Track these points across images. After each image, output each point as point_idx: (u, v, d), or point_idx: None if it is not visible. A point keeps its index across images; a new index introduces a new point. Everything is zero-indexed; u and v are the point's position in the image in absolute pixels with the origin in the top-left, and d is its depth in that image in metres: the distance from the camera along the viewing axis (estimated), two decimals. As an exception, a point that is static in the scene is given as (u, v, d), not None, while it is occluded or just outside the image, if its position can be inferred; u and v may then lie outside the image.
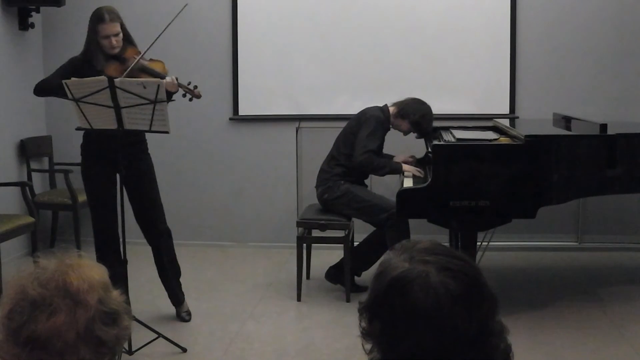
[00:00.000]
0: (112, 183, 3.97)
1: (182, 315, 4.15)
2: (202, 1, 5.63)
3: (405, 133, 4.70)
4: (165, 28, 3.72)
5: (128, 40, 3.89)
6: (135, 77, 3.64)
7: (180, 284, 4.19)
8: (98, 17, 3.78)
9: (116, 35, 3.79)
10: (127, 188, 3.95)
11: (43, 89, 3.81)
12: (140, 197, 4.01)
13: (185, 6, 3.86)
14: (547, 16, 5.47)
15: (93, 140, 3.88)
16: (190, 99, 3.83)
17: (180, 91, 3.84)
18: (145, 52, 3.81)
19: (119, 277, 3.89)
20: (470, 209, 3.78)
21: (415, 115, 4.58)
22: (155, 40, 3.69)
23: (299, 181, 5.71)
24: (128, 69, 3.67)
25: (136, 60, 3.74)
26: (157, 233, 4.05)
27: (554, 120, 4.99)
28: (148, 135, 3.90)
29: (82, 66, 3.79)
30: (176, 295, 4.15)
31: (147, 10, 5.52)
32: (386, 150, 4.75)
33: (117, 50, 3.82)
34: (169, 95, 3.80)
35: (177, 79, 3.78)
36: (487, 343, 1.22)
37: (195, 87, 3.82)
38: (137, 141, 3.96)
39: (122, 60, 3.82)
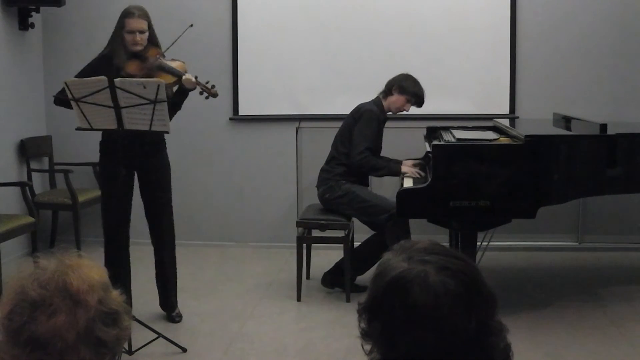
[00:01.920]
0: (130, 181, 4.00)
1: (173, 316, 4.15)
2: (202, 1, 5.63)
3: (405, 107, 4.61)
4: (186, 29, 3.82)
5: (153, 41, 3.94)
6: (154, 76, 3.76)
7: (176, 291, 4.20)
8: (127, 12, 3.87)
9: (142, 32, 3.85)
10: (141, 185, 4.03)
11: (58, 99, 3.81)
12: (152, 194, 4.04)
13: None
14: (547, 16, 5.47)
15: (112, 137, 3.87)
16: (207, 97, 3.95)
17: (198, 89, 3.92)
18: (166, 50, 3.90)
19: (124, 275, 3.94)
20: (470, 209, 3.78)
21: (397, 82, 4.58)
22: (177, 39, 3.81)
23: (299, 181, 5.71)
24: (146, 64, 3.80)
25: (156, 59, 3.83)
26: (161, 234, 4.08)
27: (554, 120, 4.99)
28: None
29: (100, 63, 3.84)
30: (169, 300, 4.16)
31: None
32: (389, 150, 4.74)
33: (139, 48, 3.87)
34: (185, 93, 3.92)
35: (196, 77, 3.87)
36: (487, 342, 1.22)
37: (213, 86, 3.93)
38: (156, 141, 3.97)
39: (144, 59, 3.88)
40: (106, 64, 3.81)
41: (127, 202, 4.00)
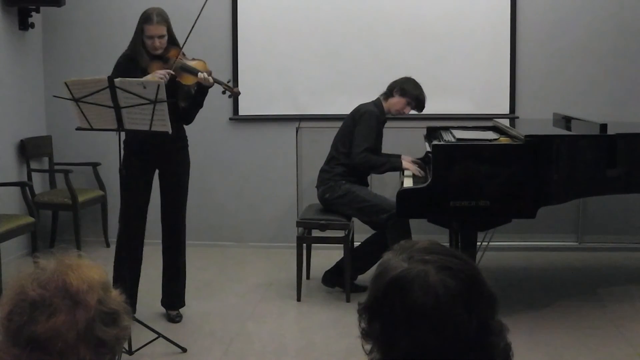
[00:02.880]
0: (149, 180, 4.02)
1: (173, 316, 4.15)
2: (202, 1, 5.62)
3: (404, 110, 4.61)
4: (196, 20, 3.84)
5: (173, 42, 3.96)
6: (179, 78, 3.83)
7: (184, 292, 4.21)
8: (146, 17, 3.88)
9: (160, 37, 3.87)
10: (162, 181, 4.07)
11: None
12: (169, 192, 4.06)
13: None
14: (547, 16, 5.47)
15: (136, 135, 3.87)
16: (230, 96, 4.01)
17: (220, 88, 3.95)
18: (182, 48, 3.92)
19: (134, 275, 3.95)
20: (470, 209, 3.78)
21: (399, 85, 4.58)
22: (188, 36, 3.85)
23: (299, 181, 5.71)
24: (168, 66, 3.84)
25: (176, 59, 3.87)
26: (177, 234, 4.10)
27: (554, 120, 4.99)
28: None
29: (127, 65, 3.87)
30: (177, 299, 4.17)
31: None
32: (388, 150, 4.74)
33: (159, 52, 3.91)
34: (204, 91, 3.93)
35: (210, 74, 3.88)
36: (487, 342, 1.22)
37: (235, 85, 3.92)
38: (178, 137, 3.98)
39: (165, 60, 3.92)
40: (132, 65, 3.85)
41: (146, 202, 4.04)
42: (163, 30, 3.87)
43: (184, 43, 3.93)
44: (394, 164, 4.54)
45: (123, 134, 3.81)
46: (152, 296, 4.31)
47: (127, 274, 3.79)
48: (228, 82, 3.97)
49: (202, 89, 3.94)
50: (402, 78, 4.63)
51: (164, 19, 3.89)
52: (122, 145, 3.75)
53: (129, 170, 3.76)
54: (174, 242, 4.12)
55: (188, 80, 3.90)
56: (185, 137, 4.09)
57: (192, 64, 3.94)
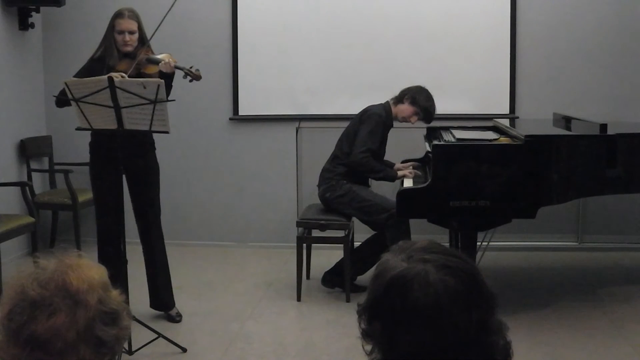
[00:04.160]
0: (119, 181, 3.99)
1: (173, 316, 4.15)
2: (202, 1, 5.63)
3: (411, 119, 4.60)
4: (165, 15, 3.78)
5: (143, 42, 3.94)
6: (143, 70, 3.80)
7: (172, 290, 4.20)
8: (117, 13, 3.91)
9: (131, 32, 3.88)
10: (129, 184, 4.04)
11: (60, 100, 3.82)
12: (139, 194, 4.05)
13: None
14: (547, 16, 5.47)
15: (101, 138, 3.88)
16: (191, 80, 3.91)
17: (181, 73, 3.89)
18: (149, 41, 3.91)
19: (119, 276, 3.92)
20: (470, 209, 3.78)
21: (411, 92, 4.57)
22: (157, 28, 3.80)
23: (299, 181, 5.71)
24: (135, 61, 3.81)
25: (142, 51, 3.85)
26: (150, 235, 4.09)
27: (554, 120, 4.99)
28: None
29: (93, 66, 3.87)
30: (162, 300, 4.17)
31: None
32: (389, 150, 4.74)
33: (129, 49, 3.90)
34: (168, 80, 3.83)
35: (175, 61, 3.84)
36: (487, 341, 1.22)
37: (197, 69, 3.89)
38: (145, 142, 3.98)
39: (134, 57, 3.90)
40: (98, 65, 3.84)
41: (120, 201, 4.00)
42: (134, 25, 3.88)
43: (151, 37, 3.90)
44: (389, 174, 4.54)
45: (88, 134, 3.80)
46: (152, 296, 4.31)
47: (112, 272, 3.76)
48: (190, 67, 3.87)
49: (164, 77, 3.84)
50: (416, 86, 4.60)
51: (136, 16, 3.92)
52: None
53: (97, 170, 3.80)
54: (148, 245, 4.11)
55: (153, 69, 3.88)
56: (152, 141, 4.06)
57: (157, 56, 3.91)
